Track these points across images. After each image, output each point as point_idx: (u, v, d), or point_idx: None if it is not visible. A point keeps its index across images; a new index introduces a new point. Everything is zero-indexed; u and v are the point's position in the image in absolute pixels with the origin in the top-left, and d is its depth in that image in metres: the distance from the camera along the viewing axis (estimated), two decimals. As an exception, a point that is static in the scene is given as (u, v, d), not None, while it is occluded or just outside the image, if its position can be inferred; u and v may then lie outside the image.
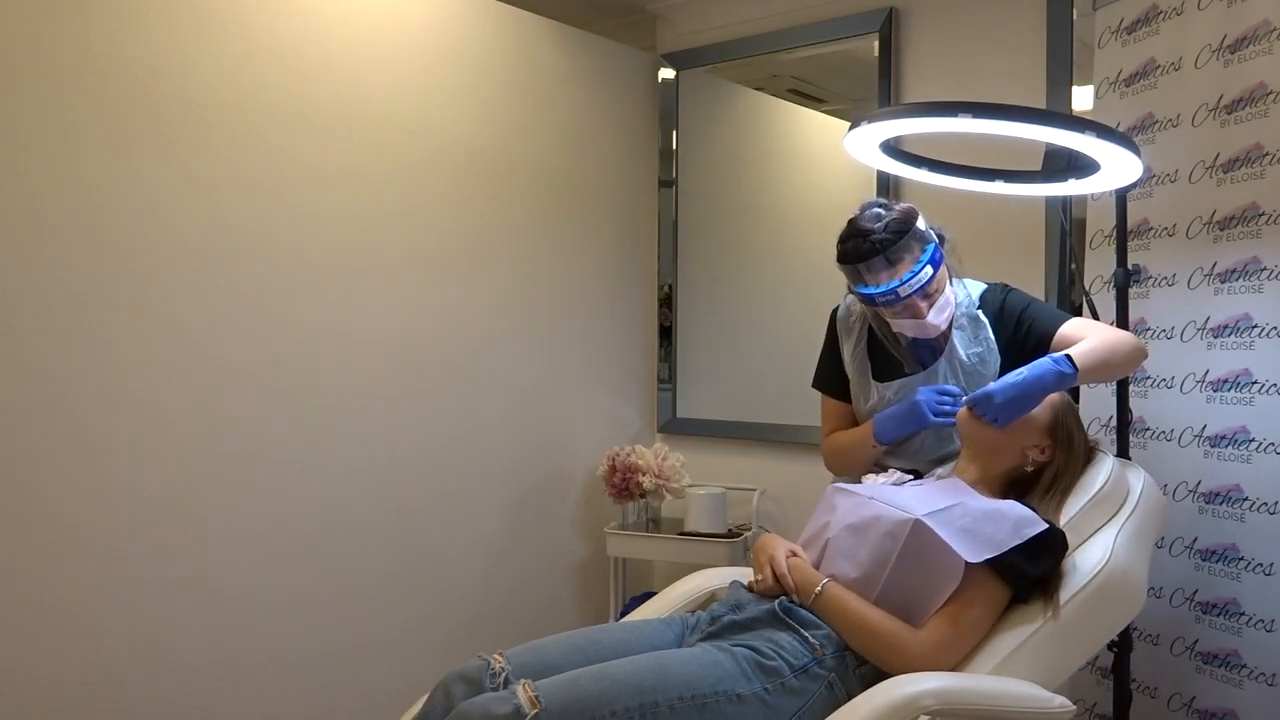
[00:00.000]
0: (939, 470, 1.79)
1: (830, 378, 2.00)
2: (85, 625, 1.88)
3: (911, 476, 1.71)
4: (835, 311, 2.01)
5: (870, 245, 1.69)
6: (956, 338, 1.85)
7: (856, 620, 1.41)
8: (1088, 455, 1.64)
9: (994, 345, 1.85)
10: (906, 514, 1.44)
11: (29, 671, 1.82)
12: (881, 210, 1.73)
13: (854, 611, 1.42)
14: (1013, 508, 1.44)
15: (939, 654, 1.37)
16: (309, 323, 2.23)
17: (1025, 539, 1.39)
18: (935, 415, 1.74)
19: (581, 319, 2.91)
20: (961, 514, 1.43)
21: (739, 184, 3.07)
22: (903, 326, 1.79)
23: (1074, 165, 1.70)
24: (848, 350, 1.94)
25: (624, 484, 2.74)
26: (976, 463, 1.62)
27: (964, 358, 1.84)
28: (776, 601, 1.47)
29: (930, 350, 1.85)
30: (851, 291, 1.78)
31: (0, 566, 1.78)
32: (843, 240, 1.75)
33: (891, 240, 1.69)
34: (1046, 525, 1.42)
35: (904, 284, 1.69)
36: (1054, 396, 1.62)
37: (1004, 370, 1.78)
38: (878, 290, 1.71)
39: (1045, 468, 1.59)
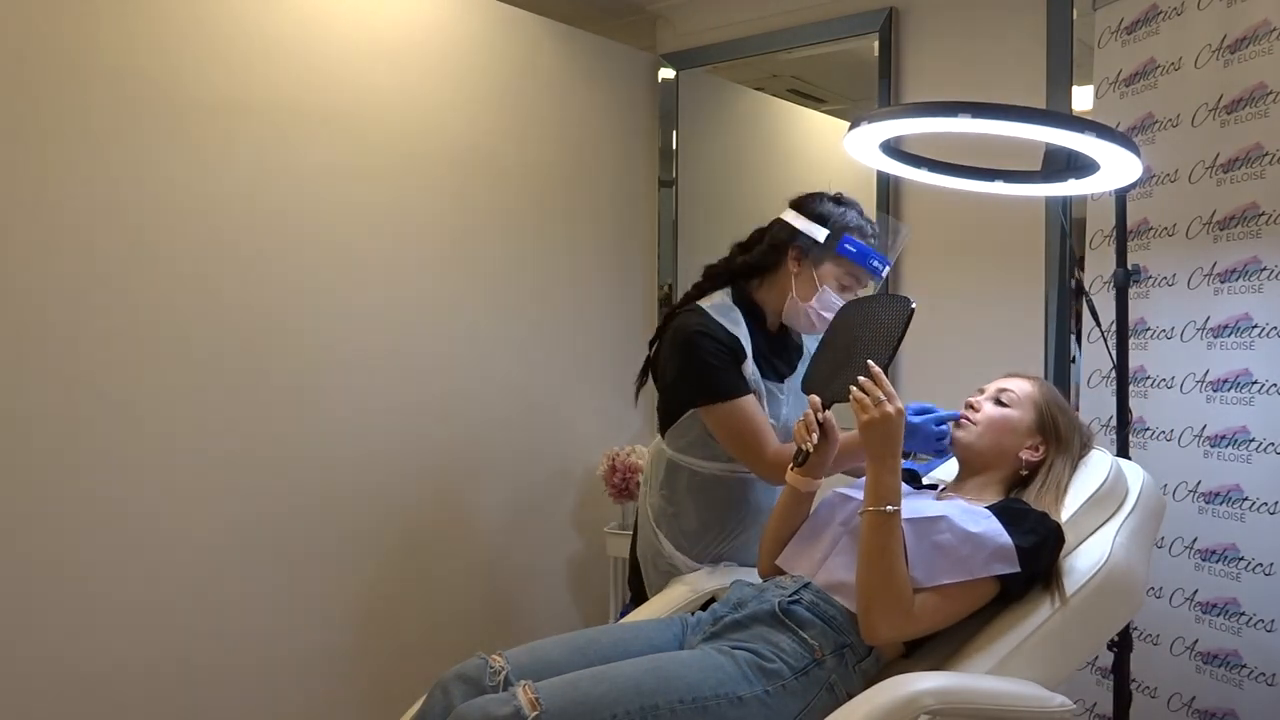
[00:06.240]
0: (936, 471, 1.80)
1: (745, 385, 1.74)
2: (85, 625, 1.89)
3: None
4: (707, 329, 1.75)
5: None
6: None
7: (893, 558, 1.36)
8: (1083, 440, 1.62)
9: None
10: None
11: (28, 671, 1.82)
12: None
13: (894, 549, 1.37)
14: (996, 536, 1.39)
15: (913, 622, 1.36)
16: (308, 322, 2.23)
17: (993, 573, 1.37)
18: (938, 440, 1.62)
19: (581, 319, 2.91)
20: (945, 528, 1.41)
21: (739, 184, 3.07)
22: (823, 308, 1.78)
23: (1074, 165, 1.70)
24: (748, 366, 1.77)
25: (624, 484, 2.74)
26: (975, 477, 1.60)
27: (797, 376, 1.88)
28: (776, 602, 1.47)
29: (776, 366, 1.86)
30: (856, 263, 1.79)
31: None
32: (859, 212, 1.83)
33: None
34: (1019, 567, 1.38)
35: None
36: (1034, 392, 1.60)
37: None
38: (889, 260, 1.84)
39: (1041, 464, 1.58)
